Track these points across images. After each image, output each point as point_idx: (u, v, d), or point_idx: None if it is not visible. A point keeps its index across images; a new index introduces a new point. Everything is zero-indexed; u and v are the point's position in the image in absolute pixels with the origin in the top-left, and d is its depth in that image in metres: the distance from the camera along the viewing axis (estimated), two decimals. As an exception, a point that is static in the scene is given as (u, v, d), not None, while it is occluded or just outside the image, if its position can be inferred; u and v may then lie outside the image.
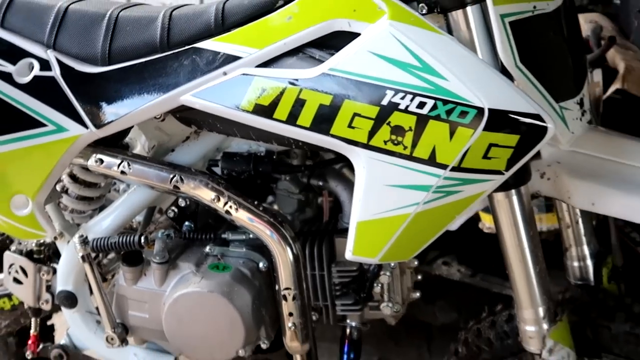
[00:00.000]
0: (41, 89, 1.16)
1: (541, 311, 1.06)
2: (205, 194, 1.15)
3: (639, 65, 1.49)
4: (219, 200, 1.15)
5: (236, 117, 1.02)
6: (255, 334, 1.23)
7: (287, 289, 1.16)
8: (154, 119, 1.17)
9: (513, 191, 1.01)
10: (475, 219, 1.64)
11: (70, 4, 1.19)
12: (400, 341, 2.12)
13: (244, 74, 1.01)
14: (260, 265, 1.24)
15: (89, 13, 1.17)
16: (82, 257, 1.22)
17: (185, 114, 1.16)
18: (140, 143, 1.33)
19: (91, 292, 1.31)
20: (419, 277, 1.34)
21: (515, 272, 1.05)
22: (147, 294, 1.25)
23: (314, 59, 0.98)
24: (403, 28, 0.91)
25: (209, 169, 1.27)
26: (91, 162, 1.20)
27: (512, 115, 0.88)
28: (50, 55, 1.16)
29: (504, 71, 0.93)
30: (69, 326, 1.38)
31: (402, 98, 0.90)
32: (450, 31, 0.95)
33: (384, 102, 0.91)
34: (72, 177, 1.29)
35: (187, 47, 1.08)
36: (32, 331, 1.45)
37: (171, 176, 1.16)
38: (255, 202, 1.16)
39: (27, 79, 1.16)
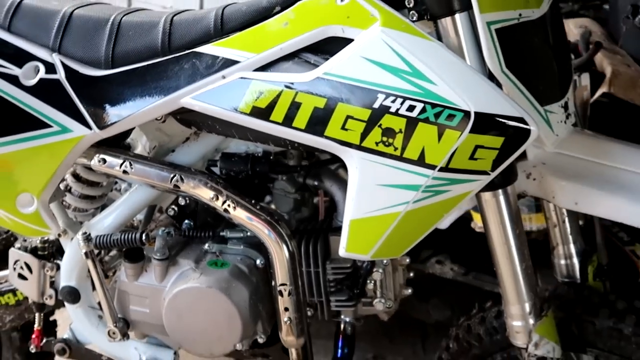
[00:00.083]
0: (46, 91, 1.17)
1: (527, 307, 1.08)
2: (205, 193, 1.17)
3: (625, 69, 1.50)
4: (217, 199, 1.16)
5: (234, 119, 1.03)
6: (253, 329, 1.24)
7: (283, 284, 1.17)
8: (155, 120, 1.18)
9: (500, 191, 1.02)
10: (467, 218, 1.65)
11: (75, 9, 1.20)
12: (395, 338, 2.12)
13: (242, 78, 1.02)
14: (257, 262, 1.25)
15: (93, 18, 1.18)
16: (85, 253, 1.24)
17: (185, 116, 1.17)
18: (142, 144, 1.34)
19: (94, 287, 1.32)
20: (411, 274, 1.34)
21: (502, 269, 1.07)
22: (147, 290, 1.27)
23: (309, 64, 1.00)
24: (394, 34, 0.93)
25: (208, 169, 1.28)
26: (94, 162, 1.21)
27: (497, 119, 0.90)
28: (56, 59, 1.17)
29: (491, 76, 0.95)
30: (72, 321, 1.39)
31: (393, 101, 0.92)
32: (439, 38, 0.97)
33: (376, 105, 0.93)
34: (76, 176, 1.30)
35: (187, 52, 1.09)
36: (35, 326, 1.45)
37: (171, 176, 1.18)
38: (253, 201, 1.17)
39: (33, 82, 1.17)
